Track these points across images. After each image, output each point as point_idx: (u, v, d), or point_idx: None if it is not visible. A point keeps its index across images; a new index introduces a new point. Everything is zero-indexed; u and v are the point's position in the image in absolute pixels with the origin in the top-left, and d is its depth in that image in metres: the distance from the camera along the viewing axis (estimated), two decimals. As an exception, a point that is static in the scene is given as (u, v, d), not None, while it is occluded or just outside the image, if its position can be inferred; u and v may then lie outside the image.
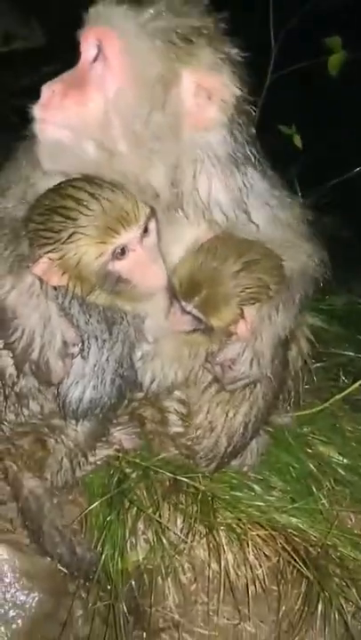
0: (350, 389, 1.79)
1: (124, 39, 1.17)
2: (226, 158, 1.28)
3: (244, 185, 1.31)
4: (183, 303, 1.33)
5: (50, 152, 1.25)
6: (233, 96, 1.22)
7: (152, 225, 1.27)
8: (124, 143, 1.21)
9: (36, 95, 1.23)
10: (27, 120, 1.27)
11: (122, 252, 1.24)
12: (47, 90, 1.22)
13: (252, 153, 1.32)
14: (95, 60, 1.21)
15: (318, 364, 2.02)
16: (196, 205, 1.29)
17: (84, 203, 1.20)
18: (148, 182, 1.24)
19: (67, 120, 1.21)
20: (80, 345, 1.30)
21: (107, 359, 1.33)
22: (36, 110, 1.23)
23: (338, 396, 1.79)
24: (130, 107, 1.19)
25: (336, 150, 3.11)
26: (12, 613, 1.38)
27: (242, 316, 1.33)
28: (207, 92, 1.20)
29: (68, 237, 1.21)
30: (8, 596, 1.39)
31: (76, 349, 1.30)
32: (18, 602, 1.39)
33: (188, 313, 1.34)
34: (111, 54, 1.18)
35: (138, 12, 1.17)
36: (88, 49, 1.22)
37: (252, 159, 1.32)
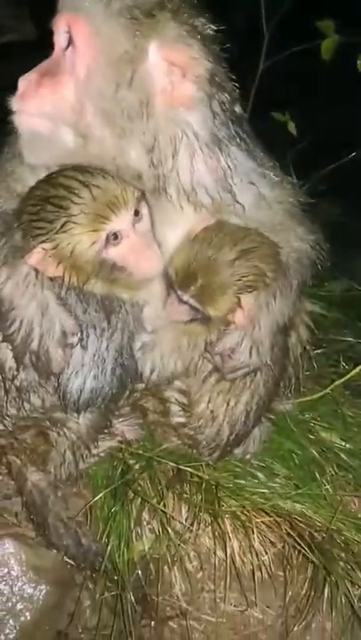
0: (351, 375, 1.78)
1: (90, 22, 1.17)
2: (207, 137, 1.26)
3: (228, 166, 1.29)
4: (179, 293, 1.32)
5: (29, 143, 1.25)
6: (206, 70, 1.20)
7: (144, 210, 1.26)
8: (98, 126, 1.21)
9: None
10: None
11: (115, 238, 1.23)
12: (23, 81, 1.22)
13: (236, 132, 1.30)
14: (67, 47, 1.20)
15: (318, 351, 2.01)
16: (178, 187, 1.28)
17: (75, 191, 1.20)
18: (127, 164, 1.23)
19: (42, 109, 1.21)
20: (79, 334, 1.30)
21: (106, 348, 1.33)
22: (14, 102, 1.23)
23: (338, 382, 1.78)
24: (98, 88, 1.19)
25: (332, 135, 3.09)
26: (19, 606, 1.38)
27: (239, 304, 1.33)
28: (181, 69, 1.19)
29: (61, 227, 1.20)
30: (15, 589, 1.39)
31: (75, 339, 1.29)
32: (25, 595, 1.39)
33: (185, 303, 1.33)
34: (79, 39, 1.18)
35: None
36: (60, 36, 1.22)
37: (237, 138, 1.30)
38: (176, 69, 1.19)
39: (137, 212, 1.25)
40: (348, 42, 2.35)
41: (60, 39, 1.22)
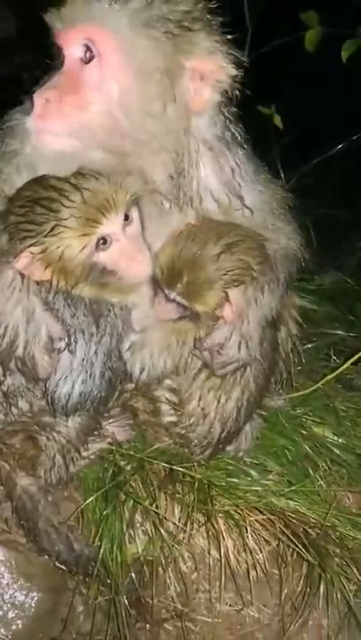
0: (342, 369, 1.77)
1: (116, 35, 1.12)
2: (216, 140, 1.25)
3: (237, 165, 1.28)
4: (166, 291, 1.31)
5: (53, 163, 1.20)
6: (229, 77, 1.18)
7: (134, 213, 1.24)
8: (132, 142, 1.17)
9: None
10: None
11: (105, 242, 1.20)
12: (40, 98, 1.16)
13: (238, 132, 1.29)
14: (87, 60, 1.15)
15: (309, 345, 2.02)
16: (185, 194, 1.26)
17: (66, 194, 1.17)
18: (151, 178, 1.22)
19: (69, 128, 1.16)
20: (66, 339, 1.28)
21: (95, 352, 1.31)
22: (32, 122, 1.17)
23: (330, 376, 1.77)
24: (138, 104, 1.15)
25: (318, 128, 3.08)
26: (11, 614, 1.37)
27: (227, 299, 1.31)
28: (201, 73, 1.16)
29: (50, 230, 1.17)
30: (7, 597, 1.38)
31: (62, 344, 1.27)
32: (17, 602, 1.38)
33: (172, 301, 1.32)
34: (107, 52, 1.13)
35: (123, 3, 1.11)
36: (74, 50, 1.16)
37: (238, 138, 1.29)
38: (196, 74, 1.17)
39: (127, 217, 1.23)
40: (332, 32, 2.33)
41: (75, 52, 1.16)
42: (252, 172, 1.33)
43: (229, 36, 1.19)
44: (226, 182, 1.28)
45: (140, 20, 1.12)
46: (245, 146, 1.32)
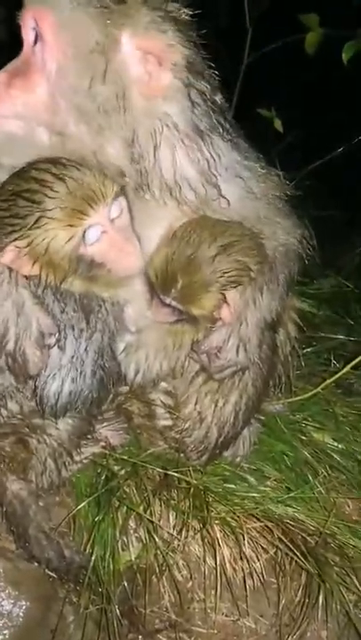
0: (341, 373, 1.76)
1: (58, 14, 1.12)
2: (188, 128, 1.21)
3: (212, 157, 1.24)
4: (162, 296, 1.28)
5: (4, 145, 1.20)
6: (183, 58, 1.15)
7: (123, 203, 1.21)
8: (74, 123, 1.16)
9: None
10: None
11: (92, 234, 1.17)
12: None
13: (218, 122, 1.25)
14: (35, 42, 1.15)
15: (309, 349, 2.01)
16: (160, 182, 1.23)
17: (49, 184, 1.14)
18: (108, 160, 1.19)
19: (15, 109, 1.17)
20: (57, 335, 1.25)
21: (85, 350, 1.28)
22: None
23: (329, 381, 1.76)
24: (71, 83, 1.14)
25: (319, 130, 3.07)
26: (-2, 624, 1.33)
27: (225, 300, 1.28)
28: (157, 57, 1.14)
29: (35, 222, 1.15)
30: (-6, 606, 1.34)
31: (52, 340, 1.24)
32: (4, 612, 1.35)
33: (168, 305, 1.29)
34: (47, 33, 1.13)
35: None
36: (27, 33, 1.16)
37: (220, 129, 1.25)
38: (151, 58, 1.14)
39: (115, 207, 1.20)
40: (332, 35, 2.32)
41: (27, 36, 1.17)
42: (236, 162, 1.29)
43: (187, 16, 1.17)
44: (202, 172, 1.25)
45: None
46: (229, 135, 1.28)
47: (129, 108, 1.17)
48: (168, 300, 1.28)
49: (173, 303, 1.28)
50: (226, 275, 1.27)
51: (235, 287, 1.29)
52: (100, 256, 1.20)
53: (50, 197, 1.14)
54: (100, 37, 1.12)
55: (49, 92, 1.16)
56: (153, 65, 1.15)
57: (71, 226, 1.15)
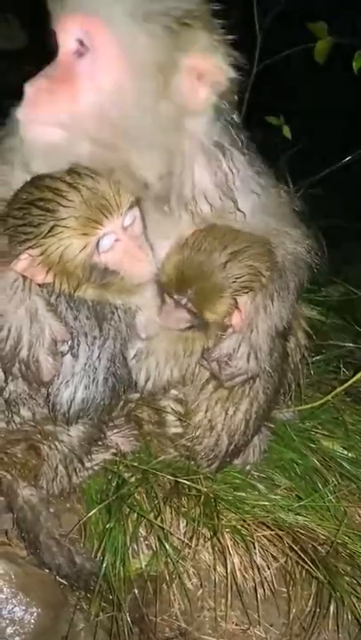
0: (351, 381, 1.75)
1: (114, 28, 1.10)
2: (212, 143, 1.23)
3: (230, 170, 1.26)
4: (176, 297, 1.28)
5: (41, 153, 1.18)
6: (227, 78, 1.16)
7: (136, 212, 1.22)
8: (123, 137, 1.15)
9: (18, 95, 1.18)
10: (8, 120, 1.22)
11: (106, 243, 1.18)
12: (31, 88, 1.15)
13: (238, 137, 1.27)
14: (82, 51, 1.14)
15: (318, 357, 2.00)
16: (180, 196, 1.24)
17: (63, 193, 1.15)
18: (138, 173, 1.19)
19: (58, 118, 1.14)
20: (70, 342, 1.25)
21: (98, 357, 1.28)
22: (21, 111, 1.15)
23: (339, 389, 1.75)
24: (130, 99, 1.13)
25: (327, 138, 3.07)
26: (9, 630, 1.32)
27: (236, 306, 1.29)
28: (198, 72, 1.15)
29: (49, 231, 1.15)
30: (5, 612, 1.33)
31: (65, 347, 1.25)
32: (15, 618, 1.33)
33: (183, 306, 1.29)
34: (102, 45, 1.11)
35: None
36: (68, 40, 1.15)
37: (239, 144, 1.28)
38: (193, 73, 1.15)
39: (129, 216, 1.21)
40: (341, 43, 2.32)
41: (69, 42, 1.15)
42: (251, 177, 1.31)
43: (232, 38, 1.18)
44: (219, 185, 1.26)
45: (139, 14, 1.10)
46: (246, 151, 1.30)
47: (173, 125, 1.18)
48: (184, 302, 1.28)
49: (189, 305, 1.28)
50: (238, 280, 1.28)
51: (247, 292, 1.30)
52: (113, 264, 1.20)
53: (64, 206, 1.15)
54: (162, 57, 1.12)
55: (96, 104, 1.13)
56: (194, 80, 1.16)
57: (85, 235, 1.16)
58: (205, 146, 1.23)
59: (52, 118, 1.15)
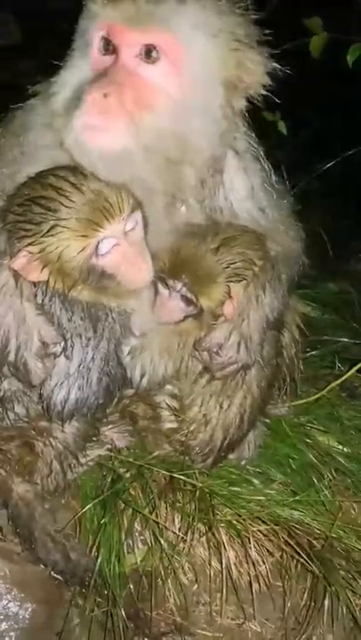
0: (346, 376, 1.76)
1: (186, 42, 1.14)
2: (242, 149, 1.30)
3: (264, 175, 1.34)
4: (171, 283, 1.28)
5: (108, 161, 1.15)
6: (261, 88, 1.20)
7: (138, 217, 1.20)
8: (176, 146, 1.17)
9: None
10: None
11: (106, 246, 1.17)
12: (97, 92, 1.12)
13: (251, 139, 1.33)
14: (152, 61, 1.14)
15: (313, 352, 2.00)
16: (211, 202, 1.30)
17: (66, 193, 1.14)
18: (187, 181, 1.23)
19: (130, 126, 1.13)
20: (62, 344, 1.24)
21: (92, 358, 1.27)
22: (87, 116, 1.12)
23: (334, 384, 1.76)
24: (192, 109, 1.16)
25: (323, 135, 3.07)
26: (4, 626, 1.33)
27: (229, 294, 1.29)
28: (246, 86, 1.20)
29: (49, 230, 1.15)
30: (0, 608, 1.33)
31: (57, 348, 1.24)
32: (10, 614, 1.34)
33: (178, 292, 1.29)
34: (174, 58, 1.14)
35: (195, 12, 1.14)
36: (133, 49, 1.14)
37: (251, 147, 1.33)
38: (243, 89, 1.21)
39: (131, 221, 1.20)
40: (336, 38, 2.32)
41: (133, 50, 1.14)
42: (263, 179, 1.36)
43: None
44: (249, 191, 1.33)
45: (209, 31, 1.14)
46: (257, 152, 1.35)
47: (226, 138, 1.23)
48: (179, 287, 1.28)
49: (183, 291, 1.28)
50: (231, 266, 1.29)
51: (240, 281, 1.30)
52: (110, 268, 1.19)
53: (66, 206, 1.14)
54: (227, 73, 1.17)
55: (168, 113, 1.15)
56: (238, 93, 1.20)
57: (85, 236, 1.15)
58: (237, 151, 1.29)
59: (124, 126, 1.13)
